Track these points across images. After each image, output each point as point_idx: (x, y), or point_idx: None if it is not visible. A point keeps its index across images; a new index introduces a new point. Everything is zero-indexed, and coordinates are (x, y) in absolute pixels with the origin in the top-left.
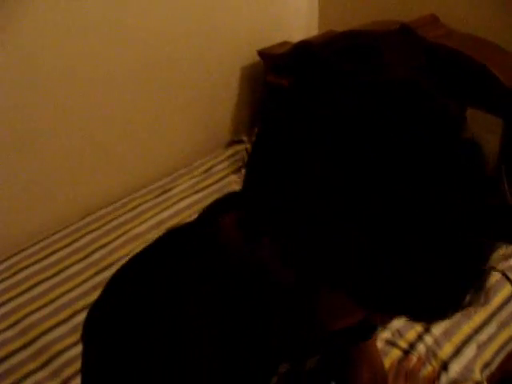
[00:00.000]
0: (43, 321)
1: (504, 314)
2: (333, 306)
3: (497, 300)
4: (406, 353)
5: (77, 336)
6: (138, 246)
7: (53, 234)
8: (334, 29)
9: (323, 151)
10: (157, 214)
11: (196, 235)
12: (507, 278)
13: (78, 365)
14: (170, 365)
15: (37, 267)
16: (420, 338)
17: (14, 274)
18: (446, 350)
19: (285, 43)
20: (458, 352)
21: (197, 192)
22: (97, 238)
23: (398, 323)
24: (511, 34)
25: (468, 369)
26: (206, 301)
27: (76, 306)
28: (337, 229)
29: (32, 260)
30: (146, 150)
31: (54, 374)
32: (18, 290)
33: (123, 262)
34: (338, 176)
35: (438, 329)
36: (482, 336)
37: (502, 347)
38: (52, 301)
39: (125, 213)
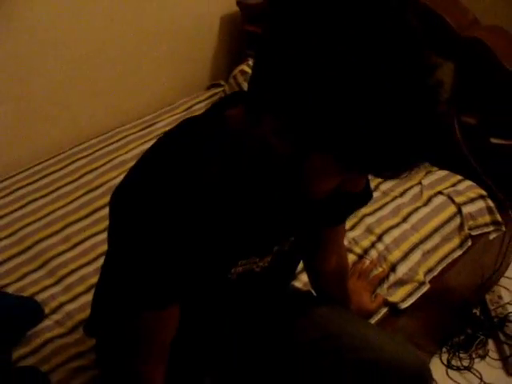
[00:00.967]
0: (38, 232)
1: (447, 229)
2: (317, 170)
3: (441, 217)
4: (361, 257)
5: (68, 245)
6: (123, 172)
7: (47, 160)
8: None
9: (317, 30)
10: (141, 144)
11: (207, 123)
12: (452, 200)
13: (72, 266)
14: (186, 219)
15: (31, 188)
16: (373, 245)
17: (11, 192)
18: (395, 254)
19: None
20: (405, 257)
21: None
22: (87, 164)
23: (354, 233)
24: None
25: (413, 271)
26: (216, 175)
27: (68, 219)
28: (327, 97)
29: (28, 181)
30: (133, 92)
31: (50, 273)
32: (15, 206)
33: (110, 184)
34: (328, 48)
35: (388, 238)
36: (427, 245)
37: (443, 257)
38: (46, 215)
39: (112, 143)
